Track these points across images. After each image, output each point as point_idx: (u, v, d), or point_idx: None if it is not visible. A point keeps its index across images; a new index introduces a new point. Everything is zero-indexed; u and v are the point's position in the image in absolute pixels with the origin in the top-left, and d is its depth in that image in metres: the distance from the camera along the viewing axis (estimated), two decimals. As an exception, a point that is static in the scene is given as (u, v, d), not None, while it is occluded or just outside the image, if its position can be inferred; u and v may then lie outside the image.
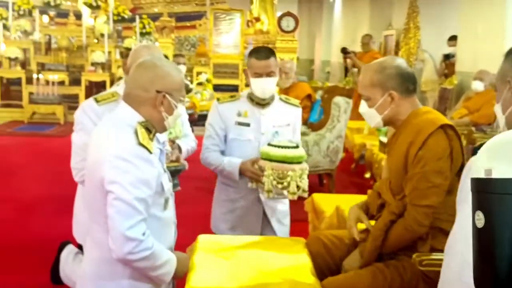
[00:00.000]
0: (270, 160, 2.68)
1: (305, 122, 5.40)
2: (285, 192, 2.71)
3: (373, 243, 2.19)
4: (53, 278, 2.70)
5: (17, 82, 10.17)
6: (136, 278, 1.95)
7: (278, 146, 2.70)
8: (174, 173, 2.65)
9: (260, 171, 2.72)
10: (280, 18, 10.35)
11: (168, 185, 2.03)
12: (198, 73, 9.86)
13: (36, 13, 11.12)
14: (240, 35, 10.52)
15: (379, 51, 8.71)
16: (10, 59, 10.14)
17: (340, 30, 14.48)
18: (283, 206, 3.00)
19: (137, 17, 11.24)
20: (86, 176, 2.01)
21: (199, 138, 3.01)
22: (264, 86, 2.88)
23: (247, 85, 3.15)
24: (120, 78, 9.41)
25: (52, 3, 12.15)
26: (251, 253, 2.35)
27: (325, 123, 5.20)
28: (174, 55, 8.04)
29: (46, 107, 9.81)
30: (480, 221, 1.06)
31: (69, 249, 2.66)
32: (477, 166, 1.15)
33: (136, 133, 1.88)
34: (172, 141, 2.87)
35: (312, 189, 2.99)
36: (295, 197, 2.68)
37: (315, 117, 5.43)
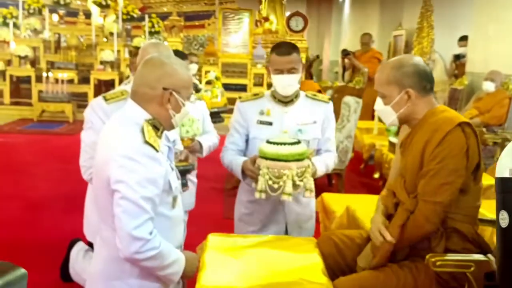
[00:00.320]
0: (266, 158, 2.55)
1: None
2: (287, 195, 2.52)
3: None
4: (63, 275, 2.69)
5: (27, 80, 10.21)
6: (145, 277, 1.94)
7: (274, 143, 2.55)
8: (182, 173, 2.60)
9: (258, 169, 2.58)
10: (289, 17, 10.34)
11: (176, 183, 2.02)
12: (207, 72, 9.86)
13: (46, 11, 11.16)
14: (248, 35, 10.51)
15: (379, 51, 8.63)
16: (20, 57, 10.18)
17: (349, 30, 14.45)
18: (306, 209, 2.89)
19: (146, 16, 11.25)
20: (94, 175, 2.01)
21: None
22: (285, 83, 2.78)
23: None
24: (128, 76, 9.43)
25: (62, 2, 12.18)
26: (261, 252, 2.33)
27: (335, 123, 5.17)
28: (188, 54, 8.05)
29: (55, 105, 9.85)
30: (505, 220, 1.05)
31: (79, 247, 2.66)
32: (502, 166, 1.13)
33: (142, 131, 1.86)
34: (192, 139, 2.86)
35: (321, 189, 2.95)
36: (290, 199, 2.50)
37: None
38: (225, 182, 5.78)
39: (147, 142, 1.85)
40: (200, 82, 8.99)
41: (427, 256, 2.06)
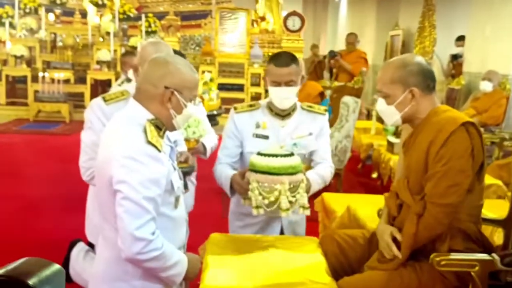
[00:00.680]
0: (255, 171, 2.35)
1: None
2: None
3: (407, 249, 2.14)
4: (63, 276, 2.67)
5: (23, 80, 10.17)
6: (148, 278, 1.93)
7: (265, 155, 2.36)
8: (182, 175, 2.59)
9: (248, 184, 2.38)
10: (286, 17, 10.34)
11: (178, 183, 2.00)
12: (203, 72, 9.85)
13: (42, 11, 11.11)
14: (245, 34, 10.50)
15: (364, 51, 8.59)
16: (15, 57, 10.14)
17: (345, 30, 14.42)
18: (299, 217, 2.78)
19: (143, 15, 11.22)
20: (96, 175, 1.99)
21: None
22: (283, 96, 2.64)
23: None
24: (118, 78, 9.41)
25: (58, 1, 12.13)
26: (264, 252, 2.32)
27: (334, 123, 5.18)
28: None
29: (52, 105, 9.81)
30: None
31: (80, 247, 2.63)
32: None
33: (145, 131, 1.85)
34: (197, 141, 2.85)
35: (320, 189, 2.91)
36: (289, 214, 2.33)
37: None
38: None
39: (149, 142, 1.83)
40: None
41: (431, 256, 2.05)
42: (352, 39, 8.20)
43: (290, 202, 2.30)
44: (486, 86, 6.35)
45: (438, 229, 2.11)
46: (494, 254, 2.07)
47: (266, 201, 2.29)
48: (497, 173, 4.60)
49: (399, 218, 2.27)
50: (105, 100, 2.66)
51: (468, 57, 8.04)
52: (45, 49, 10.93)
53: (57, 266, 1.09)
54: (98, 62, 10.28)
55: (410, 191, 2.21)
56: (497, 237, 2.90)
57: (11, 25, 10.83)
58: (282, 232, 2.73)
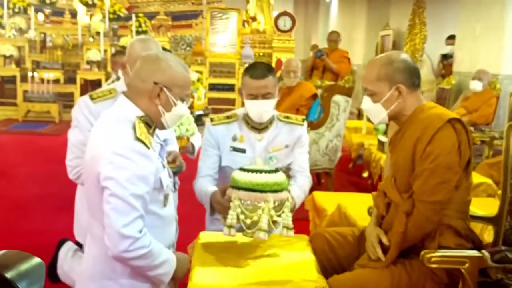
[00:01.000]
0: (238, 187, 2.17)
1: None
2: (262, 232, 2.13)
3: (396, 247, 2.13)
4: (51, 275, 2.64)
5: (12, 80, 10.07)
6: (136, 277, 1.90)
7: (248, 170, 2.19)
8: None
9: (229, 202, 2.19)
10: (277, 17, 10.33)
11: (167, 181, 1.98)
12: (192, 72, 9.83)
13: (31, 11, 11.02)
14: (236, 35, 10.48)
15: (345, 50, 8.48)
16: (4, 57, 10.05)
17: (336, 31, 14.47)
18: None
19: (133, 15, 11.16)
20: (84, 172, 1.97)
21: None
22: (260, 110, 2.55)
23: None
24: (108, 78, 9.38)
25: (48, 1, 12.05)
26: (254, 250, 2.30)
27: (325, 122, 5.17)
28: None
29: (41, 105, 9.74)
30: None
31: (68, 246, 2.61)
32: None
33: (134, 127, 1.83)
34: (188, 139, 2.82)
35: (311, 188, 2.89)
36: (266, 237, 2.11)
37: (314, 115, 5.39)
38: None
39: (138, 139, 1.81)
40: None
41: (421, 253, 2.05)
42: (334, 37, 8.08)
43: (274, 222, 2.13)
44: (476, 86, 6.37)
45: (428, 227, 2.10)
46: (484, 251, 2.07)
47: (249, 221, 2.11)
48: (487, 171, 4.62)
49: (387, 217, 2.27)
50: (92, 98, 2.63)
51: (458, 57, 8.07)
52: (35, 49, 10.85)
53: (37, 259, 1.07)
54: (88, 62, 10.22)
55: (398, 189, 2.20)
56: (488, 234, 2.91)
57: (0, 25, 10.74)
58: None
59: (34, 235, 4.14)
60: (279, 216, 2.14)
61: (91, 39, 10.67)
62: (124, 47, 10.02)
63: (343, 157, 6.19)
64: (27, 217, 4.59)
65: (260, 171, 2.17)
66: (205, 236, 2.45)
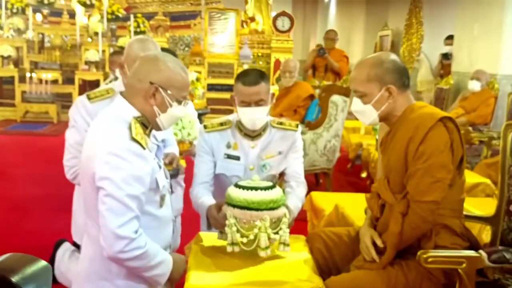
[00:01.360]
0: (233, 205, 2.14)
1: (302, 121, 5.37)
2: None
3: (393, 248, 2.12)
4: (48, 276, 2.64)
5: (10, 80, 10.06)
6: (132, 278, 1.90)
7: (243, 187, 2.15)
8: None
9: (225, 219, 2.17)
10: (276, 17, 10.32)
11: (164, 182, 1.97)
12: (191, 72, 9.80)
13: (29, 11, 11.01)
14: (235, 35, 10.47)
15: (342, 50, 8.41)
16: (3, 57, 10.03)
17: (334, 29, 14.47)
18: None
19: (131, 16, 11.15)
20: (81, 172, 1.97)
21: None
22: (253, 117, 2.51)
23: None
24: (106, 78, 9.36)
25: (46, 2, 12.02)
26: (250, 251, 2.29)
27: (323, 122, 5.16)
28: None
29: (39, 106, 9.72)
30: None
31: (66, 247, 2.60)
32: None
33: (130, 127, 1.82)
34: (191, 143, 2.81)
35: (309, 188, 2.88)
36: (267, 253, 2.10)
37: (312, 116, 5.39)
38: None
39: (133, 139, 1.81)
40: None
41: (418, 253, 2.04)
42: (332, 36, 8.01)
43: (273, 239, 2.11)
44: (474, 86, 6.37)
45: (424, 227, 2.10)
46: (481, 251, 2.06)
47: (245, 239, 2.09)
48: (485, 171, 4.62)
49: (382, 218, 2.26)
50: (89, 98, 2.63)
51: (457, 57, 8.07)
52: (33, 49, 10.83)
53: (43, 263, 1.05)
54: (86, 63, 10.20)
55: (392, 190, 2.20)
56: (486, 234, 2.91)
57: (-2, 26, 10.74)
58: None
59: (32, 235, 4.14)
60: (277, 233, 2.12)
61: (89, 40, 10.66)
62: (122, 48, 10.02)
63: (341, 157, 6.19)
64: (26, 217, 4.58)
65: (256, 188, 2.13)
66: (201, 237, 2.44)
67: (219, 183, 2.64)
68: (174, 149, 2.80)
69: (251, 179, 2.24)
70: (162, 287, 2.01)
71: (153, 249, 1.86)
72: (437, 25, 9.46)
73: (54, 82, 9.99)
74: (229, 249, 2.13)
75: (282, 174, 2.73)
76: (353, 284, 2.12)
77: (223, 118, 2.71)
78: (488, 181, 4.14)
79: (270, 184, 2.20)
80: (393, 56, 2.24)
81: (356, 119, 2.40)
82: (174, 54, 3.25)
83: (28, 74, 9.73)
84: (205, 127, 2.65)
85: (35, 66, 10.41)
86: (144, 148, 1.83)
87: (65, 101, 9.95)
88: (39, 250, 3.28)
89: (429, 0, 9.42)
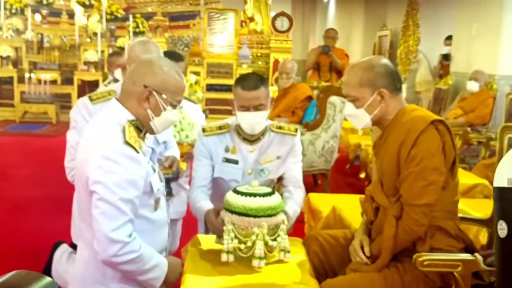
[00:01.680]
0: (231, 211, 2.13)
1: (300, 122, 5.37)
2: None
3: (388, 252, 2.13)
4: (44, 278, 2.64)
5: (9, 81, 10.05)
6: (127, 281, 1.90)
7: (241, 193, 2.13)
8: (166, 181, 2.43)
9: (223, 225, 2.16)
10: (275, 18, 10.32)
11: (158, 185, 1.97)
12: (190, 73, 9.79)
13: (28, 11, 11.00)
14: (234, 35, 10.47)
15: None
16: (1, 57, 10.02)
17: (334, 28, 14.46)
18: None
19: (130, 16, 11.15)
20: (76, 175, 1.97)
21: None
22: (252, 121, 2.49)
23: None
24: (105, 79, 9.36)
25: (45, 2, 12.01)
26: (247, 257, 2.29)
27: (321, 123, 5.16)
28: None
29: (38, 106, 9.71)
30: (503, 230, 1.03)
31: (63, 249, 2.61)
32: (501, 175, 1.11)
33: (123, 131, 1.82)
34: (191, 145, 2.81)
35: (307, 189, 2.87)
36: (263, 264, 2.08)
37: (310, 117, 5.39)
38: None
39: (126, 142, 1.81)
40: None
41: (414, 256, 2.04)
42: (333, 34, 7.94)
43: (270, 246, 2.11)
44: (473, 86, 6.37)
45: (419, 231, 2.10)
46: (477, 254, 2.06)
47: (243, 246, 2.08)
48: (483, 172, 4.62)
49: (376, 222, 2.27)
50: (91, 99, 2.64)
51: (455, 57, 8.08)
52: (32, 49, 10.82)
53: (48, 279, 1.05)
54: (85, 63, 10.20)
55: (385, 193, 2.20)
56: (483, 236, 2.91)
57: (-3, 26, 10.73)
58: None
59: (31, 236, 4.14)
60: (275, 240, 2.11)
61: (88, 40, 10.66)
62: (121, 48, 10.02)
63: (340, 158, 6.20)
64: (25, 218, 4.58)
65: (255, 195, 2.12)
66: (198, 240, 2.44)
67: (217, 187, 2.63)
68: (175, 152, 2.80)
69: (249, 184, 2.23)
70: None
71: (148, 252, 1.86)
72: (435, 26, 9.46)
73: (53, 82, 9.99)
74: (223, 258, 2.10)
75: (280, 179, 2.73)
76: (349, 286, 2.13)
77: (222, 121, 2.70)
78: (486, 182, 4.14)
79: (269, 190, 2.19)
80: (384, 60, 2.25)
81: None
82: (180, 57, 3.24)
83: (27, 75, 9.73)
84: (203, 130, 2.63)
85: (34, 66, 10.40)
86: (137, 152, 1.83)
87: (64, 101, 9.95)
88: (38, 251, 3.29)
89: (426, 1, 9.41)
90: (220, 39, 10.52)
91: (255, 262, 2.08)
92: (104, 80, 9.61)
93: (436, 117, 2.14)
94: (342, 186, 5.97)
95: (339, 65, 7.53)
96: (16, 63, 10.32)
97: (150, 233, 1.93)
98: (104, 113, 1.94)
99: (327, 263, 2.36)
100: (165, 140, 2.76)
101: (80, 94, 9.65)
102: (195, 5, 12.48)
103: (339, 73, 7.65)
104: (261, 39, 10.83)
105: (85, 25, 11.05)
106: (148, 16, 11.57)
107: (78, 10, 11.26)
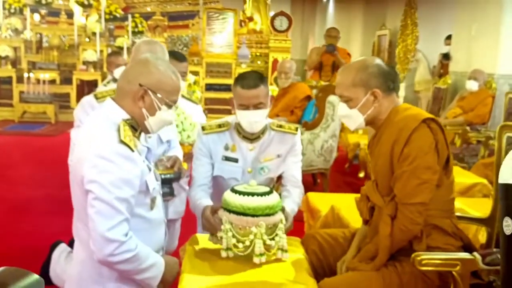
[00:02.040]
0: (229, 210, 2.13)
1: (299, 121, 5.37)
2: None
3: (385, 251, 2.12)
4: (43, 277, 2.63)
5: (8, 81, 10.05)
6: (124, 281, 1.89)
7: (239, 192, 2.13)
8: (167, 181, 2.44)
9: (220, 223, 2.16)
10: (274, 17, 10.32)
11: (154, 184, 1.96)
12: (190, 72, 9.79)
13: (27, 11, 11.00)
14: (233, 35, 10.47)
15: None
16: (0, 57, 10.03)
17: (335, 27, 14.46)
18: None
19: (129, 16, 11.15)
20: (71, 174, 1.96)
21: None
22: (252, 120, 2.48)
23: None
24: (104, 78, 9.36)
25: (44, 2, 12.01)
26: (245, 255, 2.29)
27: (320, 122, 5.16)
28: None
29: (37, 106, 9.71)
30: (509, 227, 1.02)
31: (62, 248, 2.60)
32: (506, 172, 1.10)
33: (118, 130, 1.82)
34: (192, 145, 2.80)
35: (306, 188, 2.87)
36: (261, 260, 2.09)
37: (309, 116, 5.39)
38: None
39: (122, 141, 1.80)
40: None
41: (412, 255, 2.04)
42: (335, 33, 7.87)
43: (268, 245, 2.10)
44: (472, 85, 6.37)
45: (414, 229, 2.09)
46: (475, 253, 2.06)
47: (241, 245, 2.08)
48: (482, 171, 4.61)
49: (372, 221, 2.27)
50: (97, 97, 2.65)
51: (455, 56, 8.08)
52: (31, 49, 10.82)
53: (35, 277, 1.04)
54: (84, 63, 10.19)
55: (380, 193, 2.20)
56: (482, 235, 2.90)
57: (-4, 26, 10.73)
58: None
59: (30, 236, 4.13)
60: (273, 239, 2.11)
61: (87, 40, 10.65)
62: (120, 48, 10.02)
63: (339, 157, 6.20)
64: (24, 218, 4.58)
65: (253, 194, 2.11)
66: (196, 239, 2.43)
67: (217, 185, 2.63)
68: (177, 152, 2.78)
69: (248, 183, 2.22)
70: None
71: (144, 251, 1.85)
72: (435, 26, 9.46)
73: (52, 82, 9.99)
74: (223, 254, 2.11)
75: (279, 177, 2.72)
76: (347, 286, 2.12)
77: (222, 119, 2.69)
78: (485, 181, 4.14)
79: (267, 189, 2.18)
80: (377, 61, 2.26)
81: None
82: (183, 57, 3.23)
83: (26, 74, 9.73)
84: (203, 128, 2.62)
85: (33, 66, 10.40)
86: (133, 151, 1.82)
87: (63, 101, 9.95)
88: (38, 251, 3.28)
89: (426, 1, 9.41)
90: (219, 38, 10.51)
91: (256, 259, 2.08)
92: (103, 80, 9.61)
93: (429, 115, 2.14)
94: (341, 185, 5.96)
95: (342, 65, 7.50)
96: (15, 63, 10.32)
97: (146, 232, 1.92)
98: (99, 112, 1.93)
99: (326, 262, 2.37)
100: (168, 139, 2.76)
101: (79, 93, 9.65)
102: (194, 4, 12.48)
103: None
104: (260, 39, 10.84)
105: (84, 25, 11.05)
106: (147, 16, 11.57)
107: (77, 10, 11.25)
